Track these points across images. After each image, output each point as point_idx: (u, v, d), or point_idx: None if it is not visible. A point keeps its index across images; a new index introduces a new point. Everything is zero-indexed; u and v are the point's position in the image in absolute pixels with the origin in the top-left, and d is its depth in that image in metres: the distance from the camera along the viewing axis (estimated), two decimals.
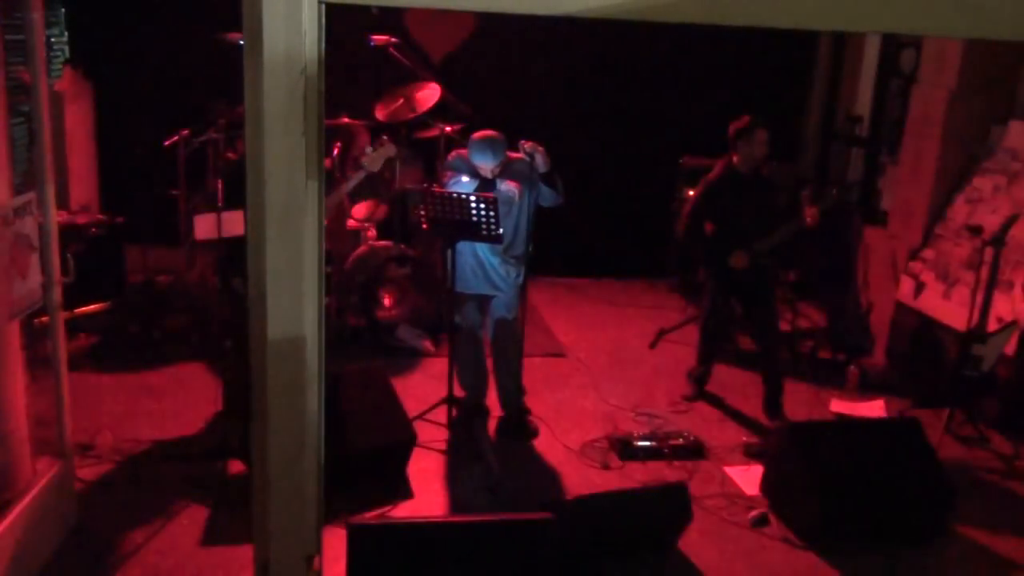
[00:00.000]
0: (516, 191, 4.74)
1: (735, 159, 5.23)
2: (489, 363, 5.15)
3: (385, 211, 6.55)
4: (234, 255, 4.51)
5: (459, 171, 4.82)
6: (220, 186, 4.67)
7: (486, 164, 4.70)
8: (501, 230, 4.59)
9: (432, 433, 4.93)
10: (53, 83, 6.48)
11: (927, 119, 6.27)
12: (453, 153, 5.04)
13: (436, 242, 6.17)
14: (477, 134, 4.76)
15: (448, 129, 6.35)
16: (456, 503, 4.37)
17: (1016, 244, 5.34)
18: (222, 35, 5.79)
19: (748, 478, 4.66)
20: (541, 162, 4.64)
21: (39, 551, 3.60)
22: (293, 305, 2.33)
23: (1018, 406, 5.34)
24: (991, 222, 5.47)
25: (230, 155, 6.02)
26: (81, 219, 6.08)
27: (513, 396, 5.10)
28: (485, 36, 7.07)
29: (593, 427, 5.17)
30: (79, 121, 6.81)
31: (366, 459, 4.34)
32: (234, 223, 5.09)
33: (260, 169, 2.27)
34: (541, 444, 4.97)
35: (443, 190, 4.73)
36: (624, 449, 4.85)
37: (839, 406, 5.64)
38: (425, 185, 5.33)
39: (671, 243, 7.72)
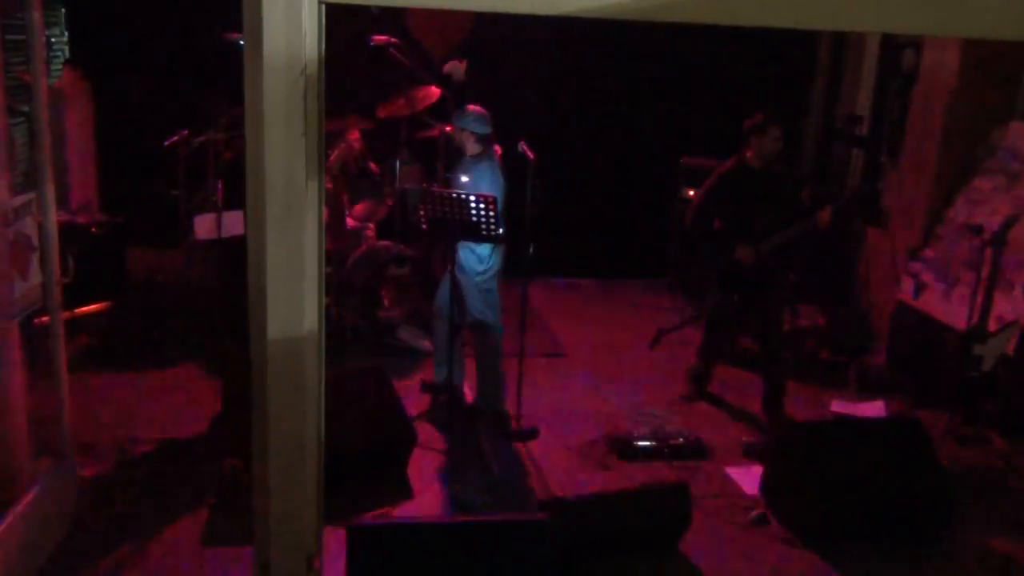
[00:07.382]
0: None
1: (748, 154, 5.23)
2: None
3: (385, 211, 6.55)
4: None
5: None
6: (220, 186, 4.67)
7: (484, 130, 4.87)
8: (502, 230, 4.61)
9: (432, 433, 4.93)
10: (53, 83, 6.48)
11: (927, 119, 6.27)
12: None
13: (436, 242, 6.17)
14: (474, 107, 4.93)
15: (448, 129, 6.35)
16: (456, 503, 4.37)
17: (1016, 244, 5.34)
18: (222, 35, 5.79)
19: (748, 478, 4.66)
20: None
21: (39, 551, 3.60)
22: (293, 305, 2.33)
23: (1018, 406, 5.34)
24: (991, 222, 5.47)
25: (230, 155, 6.04)
26: (81, 219, 6.08)
27: (489, 396, 5.13)
28: (485, 36, 7.06)
29: (593, 427, 5.17)
30: (79, 121, 6.81)
31: (366, 459, 4.34)
32: (234, 223, 5.11)
33: (260, 169, 2.27)
34: (541, 444, 4.97)
35: (443, 190, 4.73)
36: (624, 449, 4.85)
37: (839, 406, 5.63)
38: (425, 185, 5.33)
39: (671, 243, 7.73)
